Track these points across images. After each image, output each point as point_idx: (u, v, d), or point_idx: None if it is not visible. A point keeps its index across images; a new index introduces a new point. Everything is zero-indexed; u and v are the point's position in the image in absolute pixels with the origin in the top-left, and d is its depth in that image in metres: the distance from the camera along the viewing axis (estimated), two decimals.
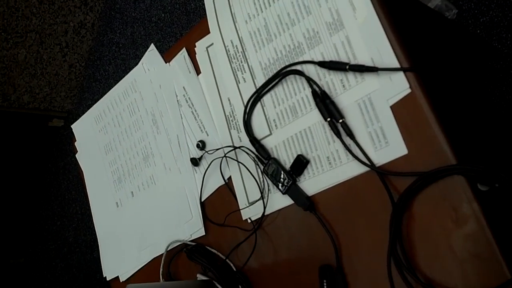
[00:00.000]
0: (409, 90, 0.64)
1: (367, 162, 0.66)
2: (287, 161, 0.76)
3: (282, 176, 0.75)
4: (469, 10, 1.36)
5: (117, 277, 1.00)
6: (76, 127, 1.12)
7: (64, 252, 2.49)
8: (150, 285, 0.73)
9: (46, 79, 2.40)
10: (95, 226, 1.06)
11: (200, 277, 0.83)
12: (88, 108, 1.10)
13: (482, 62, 1.29)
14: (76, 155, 1.11)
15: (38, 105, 2.43)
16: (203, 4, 0.88)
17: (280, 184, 0.75)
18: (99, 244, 1.04)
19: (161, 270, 0.88)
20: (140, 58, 0.98)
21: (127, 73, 1.00)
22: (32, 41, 2.31)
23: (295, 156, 0.75)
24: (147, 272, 0.94)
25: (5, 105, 2.30)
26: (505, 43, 1.28)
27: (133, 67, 1.00)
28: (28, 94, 2.37)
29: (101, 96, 1.07)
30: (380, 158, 0.66)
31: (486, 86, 1.26)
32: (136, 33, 2.28)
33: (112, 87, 1.04)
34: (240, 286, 0.79)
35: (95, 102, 1.08)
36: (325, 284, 0.69)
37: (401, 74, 0.64)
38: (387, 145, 0.66)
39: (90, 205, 1.08)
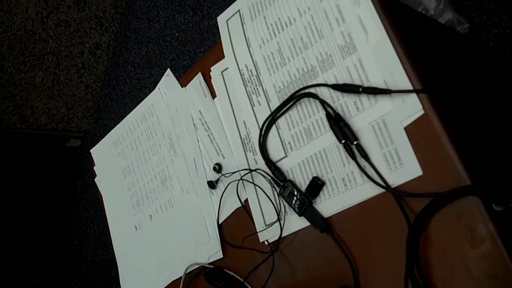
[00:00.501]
0: (422, 112, 0.65)
1: (382, 183, 0.67)
2: (303, 183, 0.77)
3: (298, 198, 0.76)
4: (481, 22, 1.36)
5: None
6: (95, 151, 1.15)
7: (83, 272, 2.51)
8: None
9: (63, 100, 2.45)
10: (114, 249, 1.07)
11: None
12: (105, 128, 1.12)
13: (496, 75, 1.29)
14: (95, 179, 1.14)
15: (56, 126, 2.47)
16: (216, 23, 0.90)
17: (296, 206, 0.76)
18: (118, 267, 1.06)
19: None
20: (155, 77, 1.00)
21: (142, 92, 1.03)
22: (49, 63, 2.36)
23: (310, 178, 0.76)
24: None
25: (24, 126, 2.35)
26: None
27: (148, 87, 1.02)
28: (45, 116, 2.41)
29: (117, 116, 1.09)
30: (395, 179, 0.67)
31: (500, 99, 1.25)
32: (150, 52, 2.32)
33: (128, 106, 1.07)
34: None
35: (112, 122, 1.11)
36: None
37: (414, 96, 0.65)
38: (402, 166, 0.66)
39: (109, 228, 1.09)
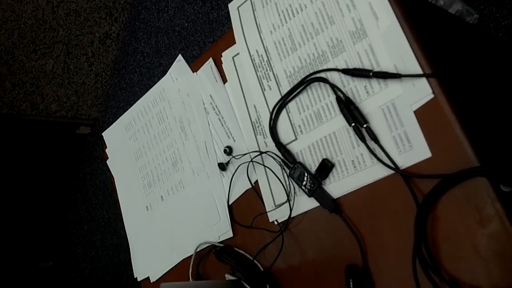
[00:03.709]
0: (432, 95, 0.66)
1: (391, 165, 0.69)
2: (313, 165, 0.79)
3: (307, 179, 0.77)
4: (490, 14, 1.37)
5: (148, 278, 1.03)
6: (107, 134, 1.17)
7: (92, 256, 2.54)
8: (183, 284, 0.76)
9: (73, 88, 2.47)
10: (126, 229, 1.09)
11: (228, 277, 0.86)
12: (114, 116, 1.14)
13: (504, 65, 1.30)
14: (107, 161, 1.16)
15: (66, 114, 2.50)
16: (226, 13, 0.91)
17: (306, 187, 0.77)
18: (130, 246, 1.08)
19: (190, 270, 0.91)
20: (164, 67, 1.02)
21: (151, 81, 1.04)
22: (59, 52, 2.38)
23: (320, 160, 0.77)
24: (176, 273, 0.97)
25: (34, 113, 2.37)
26: None
27: (158, 76, 1.04)
28: (55, 103, 2.44)
29: (127, 104, 1.11)
30: (404, 161, 0.68)
31: (509, 88, 1.26)
32: (160, 42, 2.33)
33: (137, 95, 1.08)
34: (267, 286, 0.82)
35: (121, 110, 1.12)
36: (351, 283, 0.71)
37: (423, 80, 0.67)
38: (411, 148, 0.68)
39: (121, 208, 1.11)
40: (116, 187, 1.13)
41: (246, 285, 0.83)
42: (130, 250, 1.07)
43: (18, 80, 2.27)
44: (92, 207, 2.58)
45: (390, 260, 0.69)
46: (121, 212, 1.12)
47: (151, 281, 1.02)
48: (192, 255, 0.91)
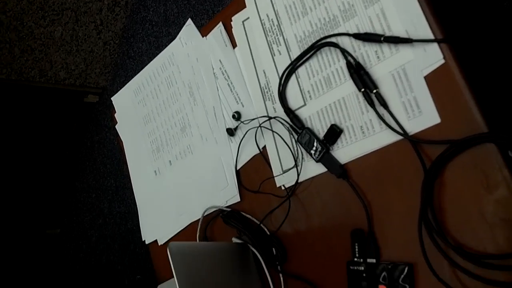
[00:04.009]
0: (443, 61, 0.66)
1: (400, 130, 0.68)
2: (321, 131, 0.79)
3: (315, 145, 0.78)
4: None
5: (155, 241, 1.05)
6: (116, 99, 1.17)
7: (99, 223, 2.57)
8: (192, 244, 0.78)
9: (82, 56, 2.46)
10: (135, 193, 1.11)
11: (235, 240, 0.87)
12: (122, 85, 1.14)
13: None
14: (116, 126, 1.16)
15: (74, 81, 2.49)
16: None
17: (313, 153, 0.78)
18: (138, 210, 1.09)
19: (198, 234, 0.92)
20: (173, 36, 1.01)
21: (160, 50, 1.04)
22: (68, 19, 2.36)
23: (328, 126, 0.77)
24: (184, 236, 0.98)
25: (43, 80, 2.37)
26: None
27: (166, 45, 1.03)
28: (64, 71, 2.43)
29: (135, 73, 1.11)
30: (413, 127, 0.68)
31: None
32: (168, 11, 2.31)
33: (145, 64, 1.08)
34: (273, 249, 0.83)
35: (129, 79, 1.12)
36: (356, 247, 0.72)
37: (435, 46, 0.66)
38: (420, 114, 0.68)
39: (130, 173, 1.12)
40: (125, 151, 1.14)
41: (253, 248, 0.84)
42: (138, 213, 1.09)
43: (27, 47, 2.26)
44: (100, 176, 2.60)
45: (396, 225, 0.70)
46: (129, 179, 1.13)
47: (159, 244, 1.04)
48: (199, 219, 0.92)
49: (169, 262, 0.65)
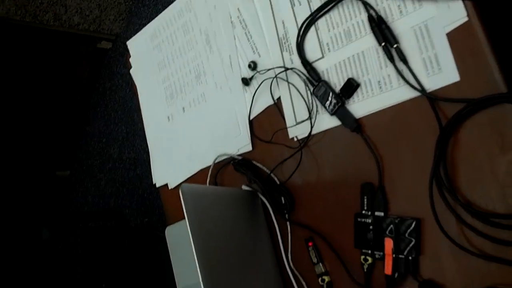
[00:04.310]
0: (466, 19, 0.65)
1: (418, 87, 0.68)
2: (337, 84, 0.79)
3: (331, 98, 0.77)
4: None
5: (166, 184, 1.07)
6: (131, 43, 1.16)
7: (109, 167, 2.61)
8: (203, 187, 0.79)
9: (96, 1, 2.43)
10: (147, 137, 1.11)
11: (245, 187, 0.88)
12: (136, 33, 1.12)
13: None
14: (131, 71, 1.16)
15: (88, 27, 2.47)
16: None
17: (328, 105, 0.77)
18: (150, 154, 1.10)
19: (208, 179, 0.94)
20: None
21: None
22: None
23: (345, 79, 0.77)
24: (194, 181, 0.99)
25: (57, 24, 2.35)
26: None
27: None
28: (78, 15, 2.41)
29: (149, 21, 1.09)
30: (432, 84, 0.68)
31: None
32: None
33: (160, 12, 1.07)
34: (282, 198, 0.84)
35: (143, 27, 1.11)
36: (365, 199, 0.73)
37: (459, 3, 0.65)
38: (440, 71, 0.67)
39: (143, 116, 1.12)
40: (139, 96, 1.14)
41: (262, 197, 0.86)
42: (150, 157, 1.10)
43: None
44: (110, 121, 2.61)
45: (407, 180, 0.71)
46: (140, 127, 1.13)
47: (169, 188, 1.05)
48: (210, 165, 0.94)
49: (181, 203, 0.66)
